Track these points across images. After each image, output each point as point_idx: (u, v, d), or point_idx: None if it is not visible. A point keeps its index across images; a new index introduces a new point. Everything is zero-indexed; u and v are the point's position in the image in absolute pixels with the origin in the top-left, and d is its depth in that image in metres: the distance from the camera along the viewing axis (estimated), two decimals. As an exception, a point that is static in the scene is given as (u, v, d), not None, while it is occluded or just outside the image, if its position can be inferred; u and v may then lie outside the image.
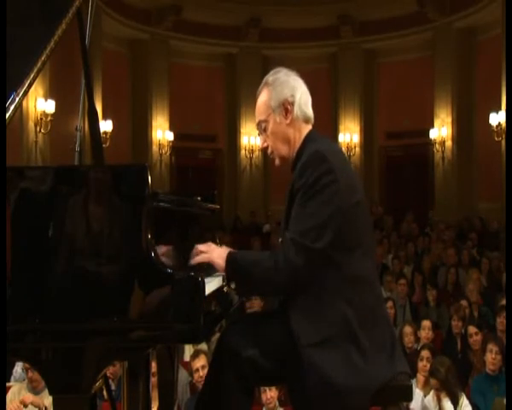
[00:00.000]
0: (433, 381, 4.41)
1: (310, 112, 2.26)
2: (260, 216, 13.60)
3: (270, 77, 2.27)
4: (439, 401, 4.36)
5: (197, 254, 2.17)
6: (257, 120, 2.28)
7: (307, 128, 2.24)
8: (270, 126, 2.22)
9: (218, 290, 2.14)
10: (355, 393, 1.99)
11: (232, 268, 2.08)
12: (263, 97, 2.25)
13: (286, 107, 2.20)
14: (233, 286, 2.13)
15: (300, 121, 2.22)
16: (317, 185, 2.01)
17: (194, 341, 2.16)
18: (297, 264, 1.99)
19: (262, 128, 2.26)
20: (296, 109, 2.21)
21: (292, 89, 2.22)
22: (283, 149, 2.23)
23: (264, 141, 2.26)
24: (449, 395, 4.33)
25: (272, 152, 2.25)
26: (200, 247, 2.19)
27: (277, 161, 2.27)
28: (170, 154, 13.62)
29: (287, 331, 2.06)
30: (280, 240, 2.20)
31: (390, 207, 13.44)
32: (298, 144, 2.21)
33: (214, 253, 2.14)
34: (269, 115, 2.22)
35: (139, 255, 1.87)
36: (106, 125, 11.28)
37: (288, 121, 2.21)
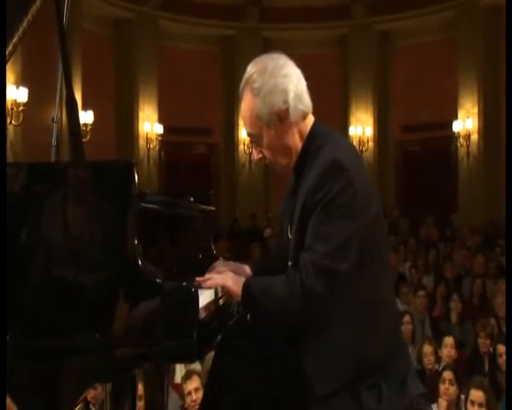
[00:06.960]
0: (477, 393, 4.38)
1: (307, 103, 2.16)
2: (261, 219, 13.60)
3: (252, 78, 2.12)
4: None
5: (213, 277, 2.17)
6: (247, 131, 2.21)
7: (308, 122, 2.17)
8: (265, 141, 2.14)
9: (215, 301, 2.14)
10: None
11: (245, 297, 2.06)
12: (248, 105, 2.14)
13: (280, 116, 2.11)
14: (248, 318, 2.11)
15: (299, 122, 2.15)
16: (337, 200, 1.96)
17: (187, 359, 2.16)
18: (316, 290, 1.94)
19: (254, 140, 2.19)
20: (292, 114, 2.11)
21: (283, 93, 2.09)
22: (285, 160, 2.17)
23: (259, 152, 2.20)
24: None
25: (272, 163, 2.20)
26: (218, 270, 2.18)
27: (280, 171, 2.22)
28: (159, 149, 13.64)
29: (296, 370, 2.04)
30: (290, 263, 2.13)
31: (407, 208, 13.46)
32: (300, 145, 2.15)
33: (231, 279, 2.12)
34: (260, 129, 2.13)
35: (124, 263, 1.88)
36: (86, 117, 11.28)
37: (284, 129, 2.12)
